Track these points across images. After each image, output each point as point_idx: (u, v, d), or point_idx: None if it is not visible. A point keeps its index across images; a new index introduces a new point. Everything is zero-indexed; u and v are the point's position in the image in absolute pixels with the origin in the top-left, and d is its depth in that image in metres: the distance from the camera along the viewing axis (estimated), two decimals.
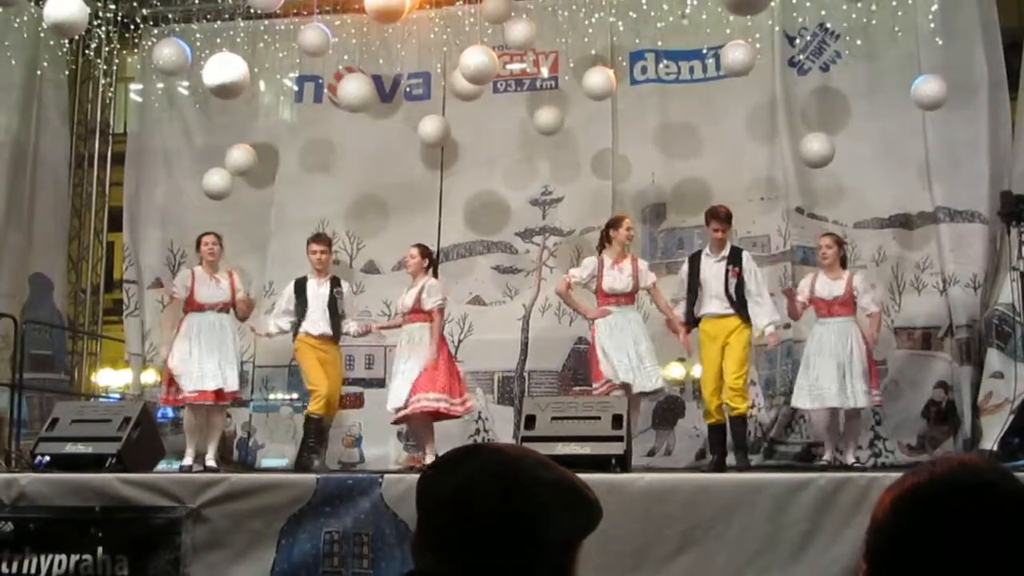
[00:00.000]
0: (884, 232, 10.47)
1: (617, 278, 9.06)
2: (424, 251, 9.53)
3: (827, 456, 8.80)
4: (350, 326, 9.66)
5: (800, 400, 8.96)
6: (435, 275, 9.56)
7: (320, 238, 9.80)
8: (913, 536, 1.50)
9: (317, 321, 9.43)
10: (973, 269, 10.18)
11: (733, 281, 8.82)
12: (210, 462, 9.27)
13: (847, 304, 8.86)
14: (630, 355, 8.86)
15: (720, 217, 8.97)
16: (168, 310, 10.29)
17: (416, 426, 9.41)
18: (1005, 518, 1.49)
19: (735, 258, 8.93)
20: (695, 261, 9.07)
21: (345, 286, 9.72)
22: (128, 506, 7.10)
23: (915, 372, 10.19)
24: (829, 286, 8.90)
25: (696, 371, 10.57)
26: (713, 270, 8.90)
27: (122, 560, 6.96)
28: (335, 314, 9.47)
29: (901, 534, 1.52)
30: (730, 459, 8.83)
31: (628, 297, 9.11)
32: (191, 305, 9.49)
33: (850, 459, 8.72)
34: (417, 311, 9.23)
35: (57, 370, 12.15)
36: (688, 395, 10.71)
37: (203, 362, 9.28)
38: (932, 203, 10.38)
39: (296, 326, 9.50)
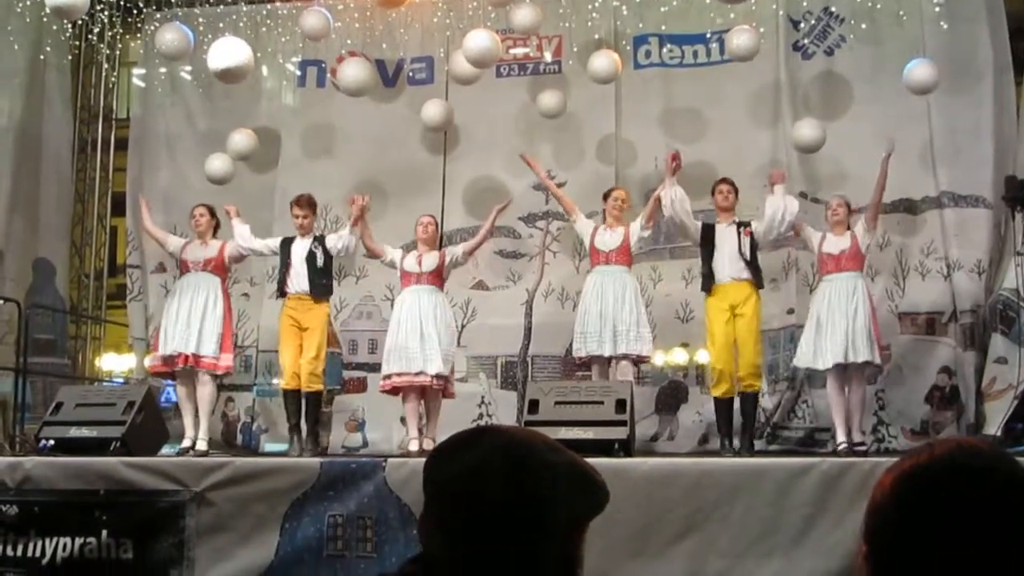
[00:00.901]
0: (888, 217, 10.42)
1: (608, 236, 9.13)
2: (437, 221, 9.53)
3: (840, 438, 8.60)
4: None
5: (804, 360, 8.90)
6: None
7: (300, 201, 9.43)
8: (913, 517, 1.50)
9: (295, 278, 9.17)
10: (977, 254, 10.16)
11: (747, 240, 8.88)
12: (200, 445, 9.06)
13: (854, 258, 8.84)
14: (614, 319, 8.84)
15: (727, 180, 9.11)
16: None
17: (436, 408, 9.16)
18: (1005, 500, 1.49)
19: (745, 224, 9.00)
20: (709, 231, 9.07)
21: (331, 239, 9.33)
22: (132, 490, 7.13)
23: (919, 357, 10.17)
24: (836, 242, 8.91)
25: (700, 356, 10.60)
26: (726, 233, 8.96)
27: (126, 543, 7.00)
28: (314, 270, 9.14)
29: (901, 515, 1.52)
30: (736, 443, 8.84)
31: (620, 255, 9.09)
32: (181, 268, 9.54)
33: (856, 436, 8.64)
34: (437, 274, 9.18)
35: (60, 355, 12.17)
36: (691, 380, 10.71)
37: (178, 326, 9.12)
38: (936, 188, 10.36)
39: (281, 283, 9.31)
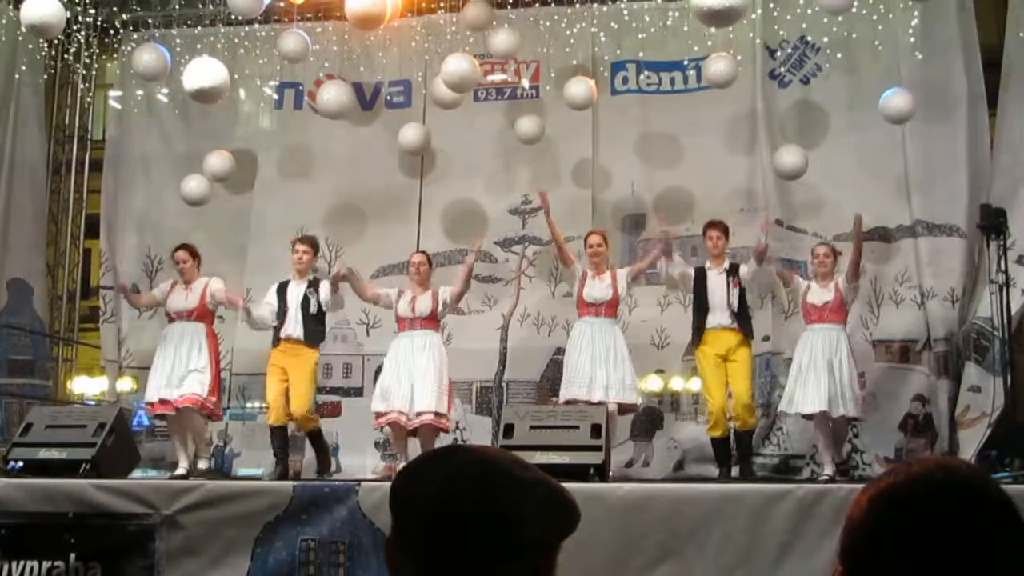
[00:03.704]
0: (863, 245, 10.48)
1: (596, 287, 9.13)
2: (429, 257, 9.50)
3: (827, 471, 8.65)
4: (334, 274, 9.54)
5: (790, 406, 8.96)
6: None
7: (305, 239, 9.62)
8: (889, 536, 1.49)
9: (289, 323, 9.26)
10: (951, 283, 10.21)
11: (735, 291, 8.98)
12: (202, 464, 9.31)
13: (837, 310, 8.90)
14: (600, 364, 8.89)
15: (718, 225, 9.15)
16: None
17: (428, 437, 9.10)
18: (981, 519, 1.48)
19: (734, 271, 9.08)
20: (701, 275, 9.15)
21: (323, 287, 9.36)
22: (102, 512, 7.03)
23: (893, 385, 10.20)
24: (820, 293, 8.95)
25: (675, 384, 10.62)
26: (717, 282, 9.05)
27: (95, 567, 6.89)
28: (308, 317, 9.24)
29: (876, 534, 1.51)
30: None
31: (609, 308, 9.13)
32: (167, 315, 9.50)
33: (837, 459, 8.79)
34: (432, 318, 9.16)
35: (39, 376, 12.05)
36: (667, 406, 10.72)
37: (162, 373, 9.22)
38: (911, 216, 10.42)
39: (277, 328, 9.38)
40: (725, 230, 9.19)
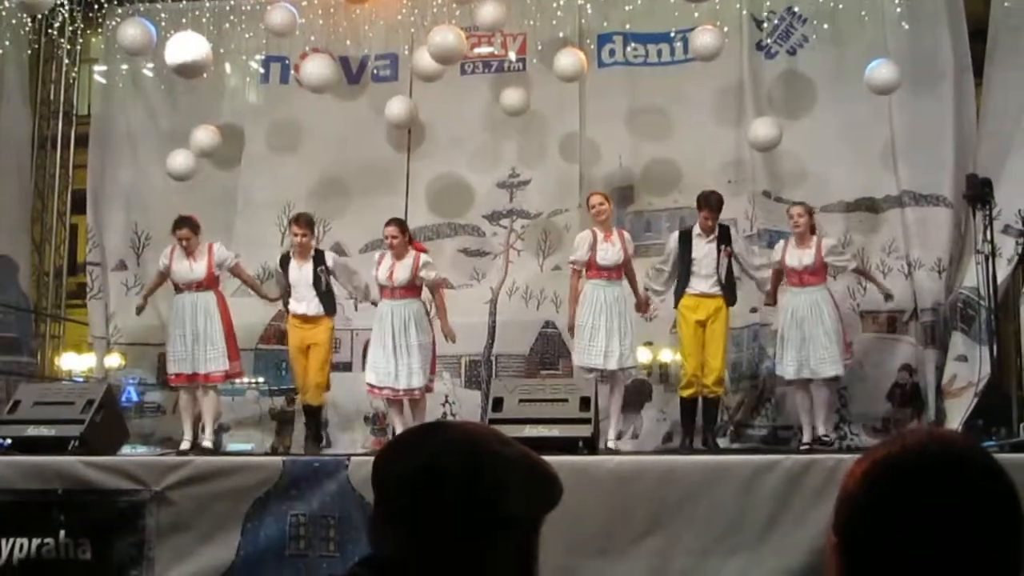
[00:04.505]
0: (850, 216, 10.51)
1: (609, 251, 9.13)
2: (402, 226, 9.40)
3: (805, 438, 8.93)
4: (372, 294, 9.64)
5: (785, 369, 9.07)
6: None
7: (300, 219, 9.54)
8: (884, 507, 1.49)
9: (301, 301, 9.35)
10: (938, 253, 10.24)
11: (725, 261, 9.03)
12: (206, 443, 9.27)
13: (817, 273, 8.98)
14: (615, 333, 8.95)
15: (712, 205, 9.10)
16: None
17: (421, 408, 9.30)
18: (976, 490, 1.48)
19: (725, 236, 9.12)
20: (686, 239, 9.15)
21: (330, 258, 9.55)
22: (91, 489, 7.04)
23: (880, 355, 10.25)
24: (799, 255, 9.01)
25: (663, 356, 10.65)
26: (704, 250, 9.06)
27: (85, 543, 6.90)
28: (320, 292, 9.34)
29: (872, 505, 1.51)
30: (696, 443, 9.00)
31: (618, 272, 9.18)
32: (175, 285, 9.46)
33: (821, 430, 8.88)
34: (411, 287, 9.19)
35: (24, 353, 12.02)
36: (655, 379, 10.75)
37: (177, 345, 9.27)
38: (897, 187, 10.43)
39: (285, 303, 9.52)
40: (719, 207, 9.12)
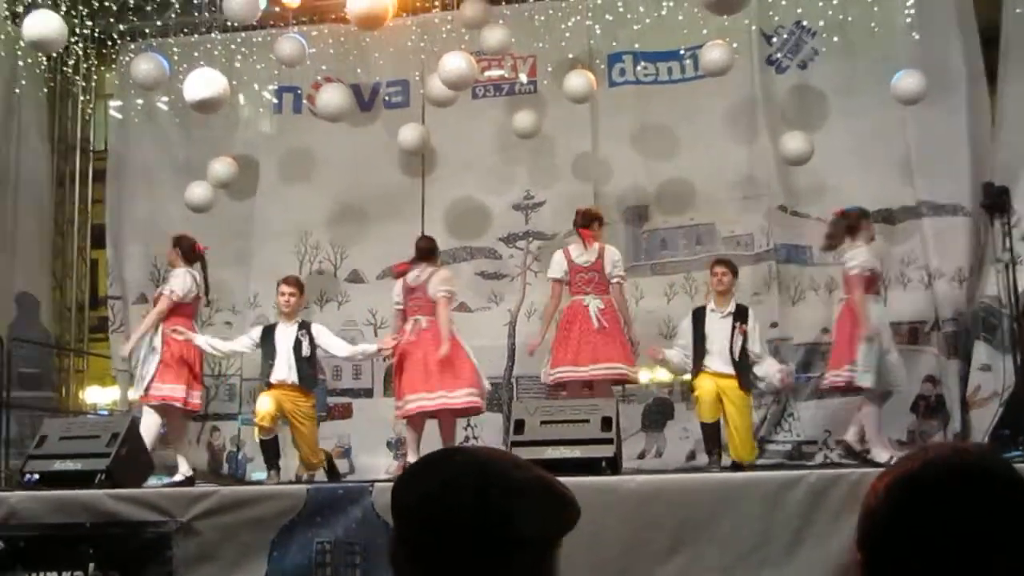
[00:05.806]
0: None
1: (582, 253, 9.20)
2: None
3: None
4: (362, 348, 9.52)
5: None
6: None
7: (289, 280, 9.39)
8: (908, 522, 1.49)
9: (281, 367, 9.00)
10: (957, 262, 10.20)
11: (739, 339, 8.75)
12: (183, 475, 9.29)
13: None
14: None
15: (726, 262, 9.01)
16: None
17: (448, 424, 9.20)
18: (999, 503, 1.48)
19: (741, 315, 8.88)
20: (699, 316, 8.97)
21: (316, 329, 9.25)
22: (118, 521, 7.06)
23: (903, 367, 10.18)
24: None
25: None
26: (717, 325, 8.85)
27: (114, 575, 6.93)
28: (301, 360, 9.01)
29: (895, 520, 1.51)
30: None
31: (597, 285, 9.14)
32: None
33: (857, 447, 8.66)
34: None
35: (45, 388, 12.08)
36: (676, 396, 10.71)
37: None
38: (915, 198, 10.41)
39: (267, 375, 9.14)
40: (733, 269, 9.00)
